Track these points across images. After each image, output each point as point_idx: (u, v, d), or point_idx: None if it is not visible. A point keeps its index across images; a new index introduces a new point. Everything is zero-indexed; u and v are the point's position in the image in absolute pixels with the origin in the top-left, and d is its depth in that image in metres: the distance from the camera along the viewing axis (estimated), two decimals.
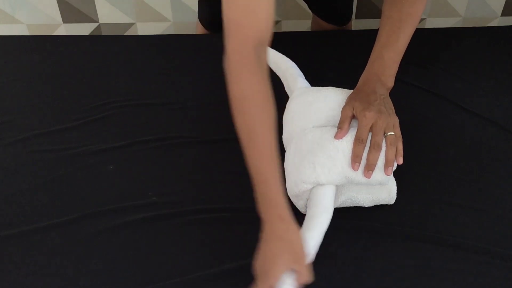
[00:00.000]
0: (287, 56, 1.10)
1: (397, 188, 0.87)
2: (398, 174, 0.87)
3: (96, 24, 1.76)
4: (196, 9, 1.45)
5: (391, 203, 0.87)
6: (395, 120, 0.84)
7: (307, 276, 0.71)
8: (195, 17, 1.50)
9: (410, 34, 0.91)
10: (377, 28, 0.95)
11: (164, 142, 1.01)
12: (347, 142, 0.81)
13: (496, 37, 1.32)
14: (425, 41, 1.29)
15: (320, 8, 1.40)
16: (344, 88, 0.93)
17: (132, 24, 1.76)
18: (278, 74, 1.12)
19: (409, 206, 0.88)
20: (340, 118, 0.84)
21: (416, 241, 0.82)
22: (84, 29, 1.77)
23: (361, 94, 0.86)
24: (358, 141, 0.80)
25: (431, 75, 1.18)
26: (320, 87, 0.94)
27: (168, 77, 1.19)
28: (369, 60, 0.92)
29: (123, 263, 0.80)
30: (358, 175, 0.80)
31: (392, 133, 0.82)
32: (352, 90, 0.90)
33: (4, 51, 1.30)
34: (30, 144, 1.02)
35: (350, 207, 0.87)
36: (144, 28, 1.77)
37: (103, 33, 1.78)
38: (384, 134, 0.81)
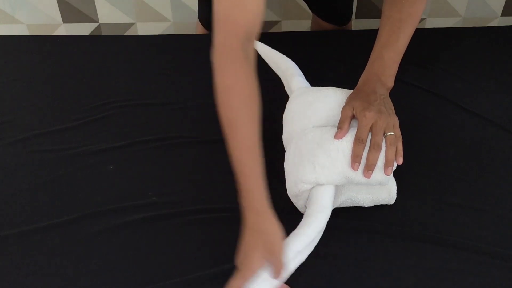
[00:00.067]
0: (287, 56, 1.10)
1: (397, 188, 0.87)
2: (398, 174, 0.87)
3: (96, 24, 1.76)
4: (196, 9, 1.45)
5: (391, 203, 0.87)
6: (395, 120, 0.84)
7: (282, 269, 0.71)
8: (195, 17, 1.50)
9: (410, 34, 0.91)
10: (377, 28, 0.95)
11: (164, 142, 1.01)
12: (347, 142, 0.81)
13: (496, 37, 1.32)
14: (425, 41, 1.29)
15: (320, 8, 1.40)
16: (344, 88, 0.92)
17: (132, 24, 1.76)
18: (278, 74, 1.12)
19: (409, 206, 0.88)
20: (340, 118, 0.84)
21: (416, 241, 0.82)
22: (84, 29, 1.77)
23: (361, 94, 0.86)
24: (358, 141, 0.80)
25: (431, 75, 1.18)
26: (320, 87, 0.94)
27: (168, 77, 1.19)
28: (369, 60, 0.92)
29: (123, 263, 0.80)
30: (358, 175, 0.80)
31: (392, 133, 0.82)
32: (352, 90, 0.90)
33: (4, 51, 1.30)
34: (30, 144, 1.02)
35: (350, 207, 0.87)
36: (144, 28, 1.77)
37: (103, 33, 1.78)
38: (384, 134, 0.81)
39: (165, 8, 1.73)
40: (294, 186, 0.83)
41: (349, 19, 1.42)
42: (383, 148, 0.80)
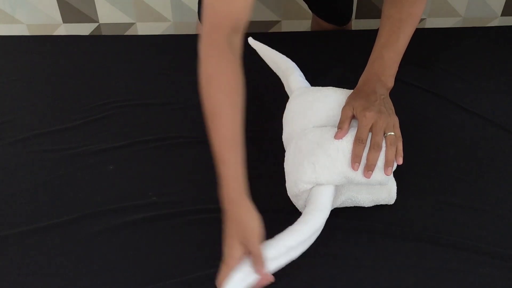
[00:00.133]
0: (287, 56, 1.10)
1: (397, 188, 0.87)
2: (398, 174, 0.87)
3: (96, 24, 1.76)
4: (196, 9, 1.45)
5: (391, 203, 0.87)
6: (395, 120, 0.84)
7: (261, 257, 0.71)
8: (195, 17, 1.50)
9: (410, 34, 0.91)
10: (377, 28, 0.95)
11: (164, 142, 1.01)
12: (347, 142, 0.81)
13: (496, 37, 1.32)
14: (425, 41, 1.29)
15: (320, 8, 1.40)
16: (344, 88, 0.92)
17: (132, 24, 1.76)
18: (278, 74, 1.12)
19: (409, 206, 0.88)
20: (340, 118, 0.84)
21: (416, 241, 0.82)
22: (84, 29, 1.77)
23: (361, 94, 0.86)
24: (358, 141, 0.80)
25: (431, 75, 1.18)
26: (320, 87, 0.94)
27: (168, 77, 1.20)
28: (369, 60, 0.92)
29: (123, 263, 0.80)
30: (358, 175, 0.80)
31: (392, 133, 0.82)
32: (352, 90, 0.90)
33: (4, 51, 1.31)
34: (30, 144, 1.02)
35: (350, 207, 0.87)
36: (144, 28, 1.77)
37: (103, 33, 1.78)
38: (384, 134, 0.81)
39: (165, 8, 1.73)
40: (294, 186, 0.83)
41: (349, 19, 1.42)
42: (383, 148, 0.80)
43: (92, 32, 1.78)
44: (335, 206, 0.86)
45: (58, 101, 1.13)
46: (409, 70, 1.17)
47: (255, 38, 1.18)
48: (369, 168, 0.79)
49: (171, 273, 0.78)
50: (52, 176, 0.95)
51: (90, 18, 1.74)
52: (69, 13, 1.73)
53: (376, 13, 1.76)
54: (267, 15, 1.78)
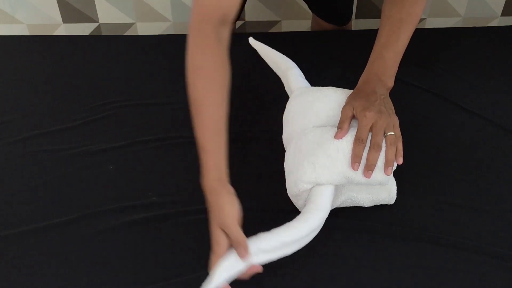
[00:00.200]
0: (287, 56, 1.10)
1: (397, 188, 0.87)
2: (398, 174, 0.87)
3: (96, 24, 1.76)
4: None
5: (391, 203, 0.87)
6: (395, 120, 0.84)
7: (241, 241, 0.71)
8: None
9: (410, 34, 0.91)
10: (377, 28, 0.95)
11: (164, 142, 1.01)
12: (347, 142, 0.81)
13: (496, 37, 1.32)
14: (425, 41, 1.29)
15: (320, 8, 1.40)
16: (344, 88, 0.92)
17: (132, 24, 1.76)
18: (278, 74, 1.12)
19: (409, 206, 0.88)
20: (340, 118, 0.84)
21: (416, 241, 0.82)
22: (84, 29, 1.77)
23: (361, 94, 0.86)
24: (358, 141, 0.80)
25: (431, 75, 1.18)
26: (320, 87, 0.94)
27: (168, 77, 1.19)
28: (369, 60, 0.92)
29: (123, 263, 0.80)
30: (358, 175, 0.80)
31: (392, 133, 0.82)
32: (352, 90, 0.90)
33: (4, 51, 1.31)
34: (30, 144, 1.02)
35: (350, 207, 0.87)
36: (144, 28, 1.77)
37: (103, 33, 1.78)
38: (384, 134, 0.81)
39: (165, 8, 1.73)
40: (294, 186, 0.83)
41: (349, 19, 1.42)
42: (383, 148, 0.80)
43: (92, 32, 1.78)
44: (335, 206, 0.86)
45: (58, 101, 1.13)
46: (409, 70, 1.17)
47: (255, 38, 1.18)
48: (369, 168, 0.79)
49: (171, 273, 0.78)
50: (52, 176, 0.95)
51: (90, 18, 1.74)
52: (69, 13, 1.73)
53: (376, 13, 1.76)
54: (267, 15, 1.78)
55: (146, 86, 1.17)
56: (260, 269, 0.73)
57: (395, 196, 0.87)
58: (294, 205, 0.86)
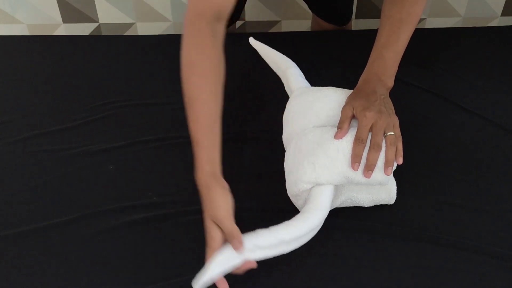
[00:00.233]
0: (287, 56, 1.10)
1: (397, 188, 0.87)
2: (398, 174, 0.87)
3: (96, 24, 1.76)
4: None
5: (391, 203, 0.87)
6: (395, 120, 0.84)
7: (234, 234, 0.71)
8: None
9: (410, 34, 0.91)
10: (377, 28, 0.95)
11: (164, 142, 1.01)
12: (347, 142, 0.81)
13: (496, 37, 1.33)
14: (425, 41, 1.29)
15: (320, 8, 1.40)
16: (344, 88, 0.93)
17: (132, 24, 1.76)
18: (278, 74, 1.12)
19: (409, 206, 0.88)
20: (340, 118, 0.84)
21: (416, 241, 0.82)
22: (84, 29, 1.77)
23: (361, 94, 0.86)
24: (358, 141, 0.80)
25: (431, 75, 1.18)
26: (320, 87, 0.94)
27: (168, 77, 1.20)
28: (369, 60, 0.92)
29: (122, 263, 0.80)
30: (358, 175, 0.80)
31: (392, 133, 0.82)
32: (352, 90, 0.90)
33: (4, 51, 1.31)
34: (30, 144, 1.02)
35: (350, 207, 0.87)
36: (144, 28, 1.77)
37: (103, 33, 1.78)
38: (384, 134, 0.81)
39: (165, 8, 1.73)
40: (294, 186, 0.83)
41: (349, 19, 1.42)
42: (383, 148, 0.80)
43: (92, 32, 1.78)
44: (335, 206, 0.86)
45: (58, 101, 1.13)
46: (409, 70, 1.17)
47: (255, 38, 1.18)
48: (369, 168, 0.79)
49: (171, 273, 0.78)
50: (52, 176, 0.95)
51: (90, 18, 1.74)
52: (69, 13, 1.73)
53: (376, 13, 1.76)
54: (267, 15, 1.79)
55: (146, 86, 1.17)
56: (254, 265, 0.73)
57: (395, 196, 0.87)
58: (294, 205, 0.86)
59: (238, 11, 1.43)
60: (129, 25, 1.76)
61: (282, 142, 0.96)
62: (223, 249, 0.71)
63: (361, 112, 0.82)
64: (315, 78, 1.06)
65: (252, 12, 1.78)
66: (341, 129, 0.82)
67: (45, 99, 1.14)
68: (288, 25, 1.80)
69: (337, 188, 0.84)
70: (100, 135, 1.03)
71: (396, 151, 0.81)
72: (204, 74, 0.78)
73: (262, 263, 0.74)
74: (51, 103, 1.13)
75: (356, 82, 0.91)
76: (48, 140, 1.03)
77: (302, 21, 1.78)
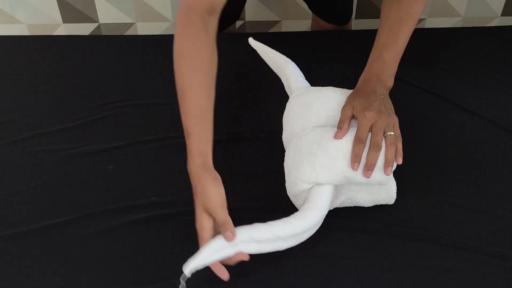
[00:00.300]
0: (287, 56, 1.10)
1: (397, 188, 0.87)
2: (398, 174, 0.87)
3: (96, 24, 1.76)
4: None
5: (391, 203, 0.87)
6: (395, 120, 0.84)
7: (226, 223, 0.71)
8: None
9: (410, 33, 0.91)
10: (377, 28, 0.95)
11: (164, 142, 1.01)
12: (347, 142, 0.81)
13: (496, 37, 1.33)
14: (425, 41, 1.29)
15: (320, 8, 1.40)
16: (344, 88, 0.92)
17: (132, 24, 1.76)
18: (278, 74, 1.12)
19: (409, 206, 0.88)
20: (340, 118, 0.84)
21: (416, 241, 0.82)
22: (84, 29, 1.77)
23: (361, 94, 0.86)
24: (358, 141, 0.80)
25: (431, 75, 1.18)
26: (320, 87, 0.94)
27: (168, 77, 1.19)
28: (368, 60, 0.92)
29: (122, 263, 0.80)
30: (357, 175, 0.80)
31: (392, 133, 0.82)
32: (352, 90, 0.90)
33: (4, 51, 1.31)
34: (30, 144, 1.02)
35: (350, 207, 0.87)
36: (144, 28, 1.77)
37: (103, 33, 1.78)
38: (384, 134, 0.81)
39: (165, 8, 1.73)
40: (294, 186, 0.83)
41: (349, 19, 1.42)
42: (383, 148, 0.80)
43: (92, 32, 1.78)
44: (335, 206, 0.86)
45: (58, 101, 1.13)
46: (409, 70, 1.17)
47: (255, 38, 1.18)
48: (368, 168, 0.79)
49: (171, 273, 0.78)
50: (52, 176, 0.95)
51: (90, 18, 1.74)
52: (69, 13, 1.73)
53: (376, 13, 1.76)
54: (267, 15, 1.79)
55: (146, 86, 1.17)
56: (246, 258, 0.73)
57: (395, 196, 0.87)
58: (294, 205, 0.86)
59: (238, 11, 1.43)
60: (129, 25, 1.76)
61: (281, 142, 0.96)
62: (216, 238, 0.71)
63: (361, 112, 0.82)
64: (315, 78, 1.06)
65: (252, 12, 1.78)
66: (341, 129, 0.82)
67: (45, 99, 1.14)
68: (288, 25, 1.80)
69: (337, 188, 0.84)
70: (100, 135, 1.03)
71: (396, 151, 0.81)
72: (196, 66, 0.79)
73: (262, 262, 0.74)
74: (51, 103, 1.13)
75: (356, 82, 0.91)
76: (48, 140, 1.03)
77: (302, 21, 1.78)
